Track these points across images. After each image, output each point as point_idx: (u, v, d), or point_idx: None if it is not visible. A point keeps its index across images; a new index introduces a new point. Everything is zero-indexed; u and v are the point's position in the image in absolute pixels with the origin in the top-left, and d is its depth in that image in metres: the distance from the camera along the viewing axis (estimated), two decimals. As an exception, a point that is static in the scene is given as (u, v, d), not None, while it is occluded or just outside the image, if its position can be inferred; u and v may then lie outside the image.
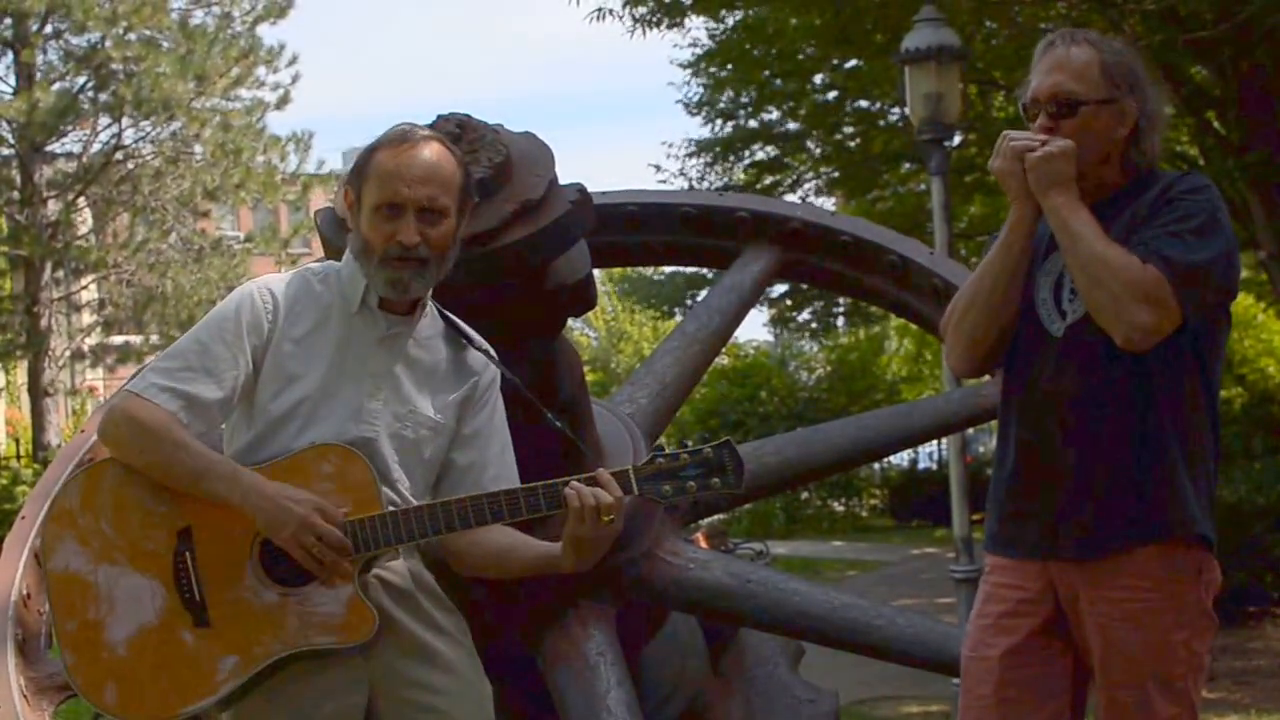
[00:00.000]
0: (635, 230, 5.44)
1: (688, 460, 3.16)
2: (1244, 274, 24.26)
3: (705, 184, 20.78)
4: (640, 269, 34.99)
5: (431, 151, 3.22)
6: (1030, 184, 3.32)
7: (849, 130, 19.31)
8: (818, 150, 20.07)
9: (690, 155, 21.04)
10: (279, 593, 3.13)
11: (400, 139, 3.22)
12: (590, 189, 4.11)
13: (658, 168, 21.96)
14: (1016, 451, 3.44)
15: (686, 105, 20.96)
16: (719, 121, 20.78)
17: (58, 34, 24.49)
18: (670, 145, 22.24)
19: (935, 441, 22.67)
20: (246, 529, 3.13)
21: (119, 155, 24.76)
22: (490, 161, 3.91)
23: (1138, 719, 3.32)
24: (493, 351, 3.44)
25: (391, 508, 3.18)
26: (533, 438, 3.59)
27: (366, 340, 3.26)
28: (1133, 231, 3.30)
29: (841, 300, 23.76)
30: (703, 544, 10.54)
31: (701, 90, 20.51)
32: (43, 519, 3.23)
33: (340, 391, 3.22)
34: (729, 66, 18.09)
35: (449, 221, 3.23)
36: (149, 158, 25.07)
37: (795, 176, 20.57)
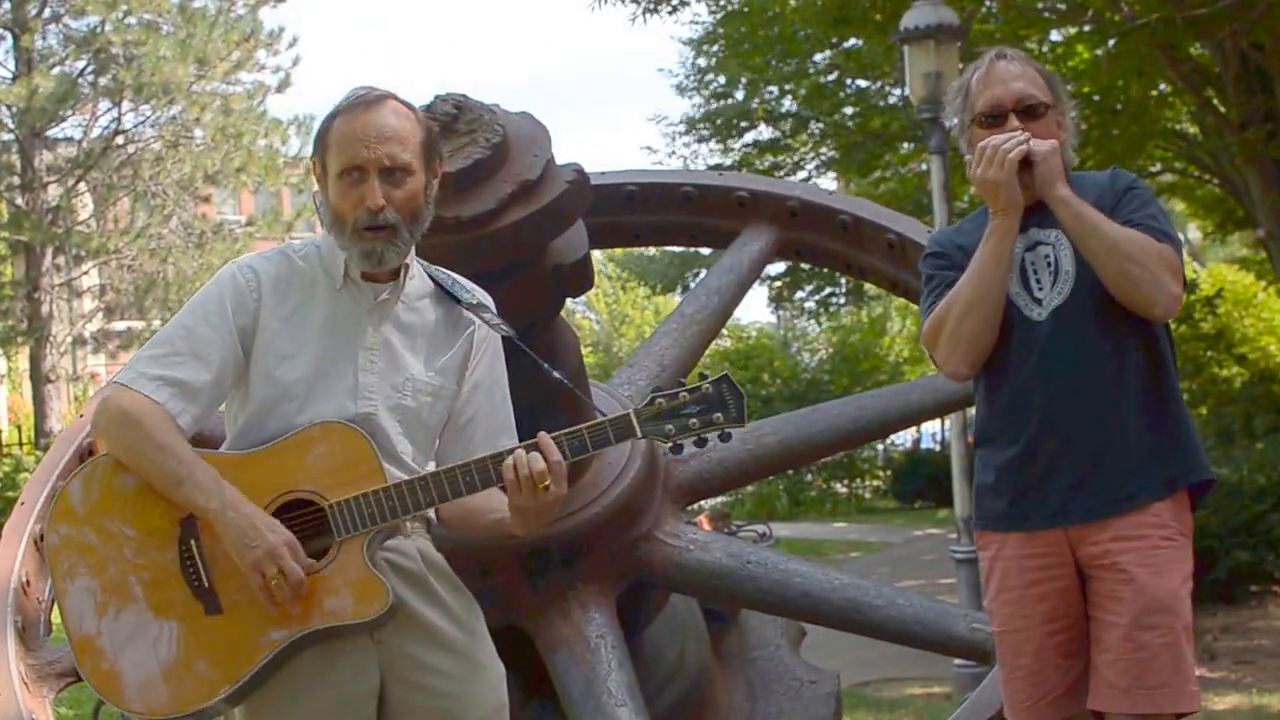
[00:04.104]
0: (634, 210, 5.43)
1: (687, 399, 3.14)
2: (1243, 252, 24.28)
3: (700, 162, 20.63)
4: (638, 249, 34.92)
5: (388, 110, 3.18)
6: (1038, 178, 3.52)
7: (848, 110, 19.25)
8: (817, 129, 19.99)
9: (685, 132, 20.86)
10: None
11: (356, 102, 3.19)
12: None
13: (650, 149, 21.77)
14: (1030, 429, 3.55)
15: (680, 88, 20.82)
16: (713, 101, 20.64)
17: (57, 18, 24.51)
18: (660, 121, 21.85)
19: (937, 422, 22.71)
20: None
21: (119, 140, 24.77)
22: (487, 141, 3.90)
23: (1168, 660, 3.44)
24: (489, 301, 3.40)
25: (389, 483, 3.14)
26: (529, 392, 3.55)
27: (354, 313, 3.23)
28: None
29: (842, 279, 23.71)
30: (706, 526, 10.54)
31: (698, 73, 20.39)
32: (47, 520, 3.17)
33: (334, 369, 3.19)
34: (724, 42, 17.98)
35: (414, 180, 3.18)
36: (149, 142, 25.09)
37: (796, 159, 20.47)
